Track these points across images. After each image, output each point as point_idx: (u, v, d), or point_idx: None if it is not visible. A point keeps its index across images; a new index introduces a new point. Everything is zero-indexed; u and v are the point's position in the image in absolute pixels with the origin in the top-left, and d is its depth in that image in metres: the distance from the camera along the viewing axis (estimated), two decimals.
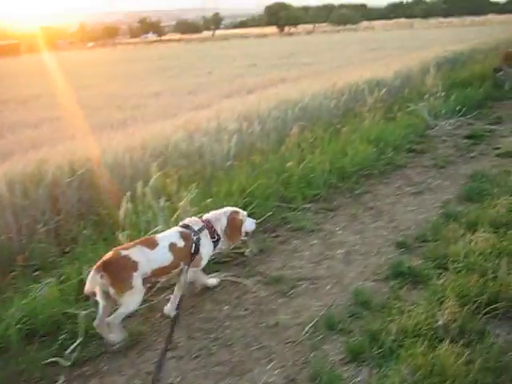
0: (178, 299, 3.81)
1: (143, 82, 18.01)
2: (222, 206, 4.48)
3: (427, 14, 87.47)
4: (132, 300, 3.56)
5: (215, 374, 3.25)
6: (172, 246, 3.78)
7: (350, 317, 3.65)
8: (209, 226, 4.04)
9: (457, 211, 5.16)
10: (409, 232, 4.92)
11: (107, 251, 3.74)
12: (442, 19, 70.33)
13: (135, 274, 3.54)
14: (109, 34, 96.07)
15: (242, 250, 4.71)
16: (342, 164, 6.48)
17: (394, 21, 74.84)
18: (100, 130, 9.88)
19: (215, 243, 4.06)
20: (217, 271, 4.47)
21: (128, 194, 4.74)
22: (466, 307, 3.36)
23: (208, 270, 4.44)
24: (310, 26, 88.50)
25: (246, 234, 4.35)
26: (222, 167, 6.36)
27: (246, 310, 3.91)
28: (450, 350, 2.95)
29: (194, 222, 4.04)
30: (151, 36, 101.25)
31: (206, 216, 4.17)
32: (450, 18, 71.46)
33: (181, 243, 3.83)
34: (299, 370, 3.22)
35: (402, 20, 73.27)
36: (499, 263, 3.80)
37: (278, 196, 5.71)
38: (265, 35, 71.73)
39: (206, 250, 3.99)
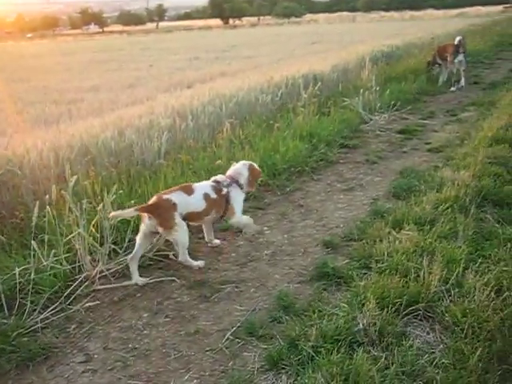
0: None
1: (82, 75, 17.53)
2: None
3: (369, 7, 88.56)
4: (180, 234, 4.23)
5: None
6: (206, 196, 4.41)
7: (271, 322, 3.56)
8: (234, 180, 4.64)
9: (384, 209, 5.15)
10: (337, 231, 4.87)
11: (25, 257, 3.96)
12: (383, 13, 71.41)
13: (176, 213, 4.21)
14: (48, 25, 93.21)
15: (166, 253, 4.56)
16: (274, 161, 6.38)
17: (337, 14, 75.50)
18: (32, 126, 9.51)
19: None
20: (139, 275, 4.30)
21: (47, 196, 4.51)
22: (386, 310, 3.31)
23: (129, 274, 4.30)
24: (254, 19, 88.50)
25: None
26: (151, 166, 6.17)
27: (166, 316, 3.76)
28: (366, 355, 2.89)
29: (222, 178, 4.64)
30: (93, 27, 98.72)
31: (228, 172, 4.77)
32: (391, 11, 72.64)
33: (213, 195, 4.45)
34: (217, 379, 3.10)
35: (345, 13, 74.00)
36: (421, 262, 3.77)
37: None
38: (209, 27, 71.23)
39: (238, 199, 4.62)
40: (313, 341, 3.15)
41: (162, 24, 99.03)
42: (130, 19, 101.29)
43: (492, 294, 3.38)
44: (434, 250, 4.02)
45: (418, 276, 3.67)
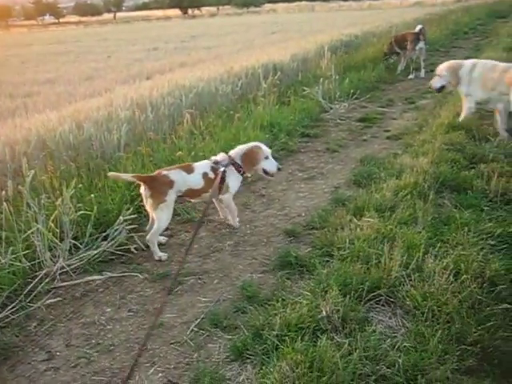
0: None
1: (38, 67, 17.18)
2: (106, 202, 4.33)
3: None
4: (163, 214, 4.37)
5: (94, 383, 3.06)
6: (204, 175, 4.55)
7: (235, 312, 3.56)
8: (232, 160, 4.68)
9: (345, 196, 5.20)
10: (299, 219, 4.90)
11: None
12: (342, 2, 71.49)
13: (170, 190, 4.37)
14: (1, 15, 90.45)
15: (128, 247, 4.51)
16: None
17: (295, 3, 75.36)
18: None
19: (243, 175, 4.80)
20: (101, 271, 4.26)
21: (2, 193, 4.40)
22: (349, 296, 3.35)
23: (91, 269, 4.25)
24: (213, 9, 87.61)
25: (266, 172, 4.79)
26: (111, 158, 6.08)
27: (129, 311, 3.73)
28: (330, 342, 2.93)
29: (222, 157, 4.72)
30: (48, 18, 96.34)
31: (230, 152, 4.80)
32: (349, 1, 73.00)
33: (211, 174, 4.57)
34: (182, 372, 3.09)
35: (304, 3, 73.85)
36: (382, 248, 3.83)
37: None
38: (168, 18, 70.44)
39: (232, 180, 4.68)
40: (277, 330, 3.16)
41: (120, 14, 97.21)
42: (86, 10, 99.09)
43: (451, 277, 3.46)
44: (394, 236, 4.08)
45: (380, 262, 3.72)
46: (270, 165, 4.77)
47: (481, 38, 18.04)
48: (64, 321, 3.66)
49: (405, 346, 2.98)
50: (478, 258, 3.70)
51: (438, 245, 3.95)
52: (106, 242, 4.47)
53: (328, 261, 3.99)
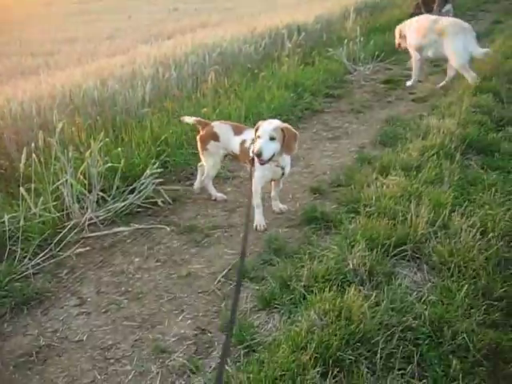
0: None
1: (59, 26, 17.13)
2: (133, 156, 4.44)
3: None
4: (208, 161, 4.48)
5: (124, 328, 3.14)
6: (242, 143, 4.26)
7: (262, 264, 3.62)
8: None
9: (371, 155, 5.20)
10: (324, 177, 4.91)
11: (12, 205, 4.13)
12: None
13: (213, 142, 4.40)
14: None
15: (154, 200, 4.56)
16: (259, 110, 6.35)
17: None
18: (9, 78, 9.30)
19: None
20: (128, 222, 4.32)
21: (32, 145, 4.46)
22: (375, 250, 3.38)
23: (119, 221, 4.31)
24: None
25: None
26: (135, 115, 6.10)
27: (157, 261, 3.81)
28: (357, 293, 2.96)
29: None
30: None
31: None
32: None
33: (247, 144, 4.16)
34: (210, 320, 3.17)
35: None
36: (409, 206, 3.84)
37: (193, 144, 5.53)
38: None
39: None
40: (304, 281, 3.21)
41: None
42: None
43: (477, 235, 3.46)
44: (420, 195, 4.08)
45: (406, 219, 3.73)
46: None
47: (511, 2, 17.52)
48: (94, 269, 3.75)
49: (431, 300, 3.01)
50: (504, 218, 3.70)
51: (465, 204, 3.95)
52: (132, 195, 4.52)
53: (354, 217, 4.00)
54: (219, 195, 4.66)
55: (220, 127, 4.43)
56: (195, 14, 18.22)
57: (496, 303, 2.98)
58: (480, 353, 2.64)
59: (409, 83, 8.17)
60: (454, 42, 7.22)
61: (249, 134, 4.22)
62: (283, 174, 4.15)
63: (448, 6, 11.68)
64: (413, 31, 7.88)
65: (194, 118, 4.64)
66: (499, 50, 8.96)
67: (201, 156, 4.56)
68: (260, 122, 3.96)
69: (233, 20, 14.50)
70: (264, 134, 3.81)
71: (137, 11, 21.26)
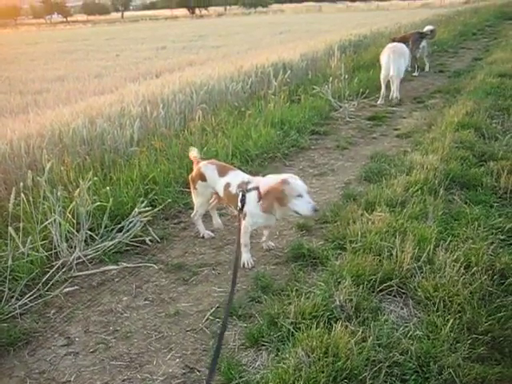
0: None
1: (47, 65, 17.27)
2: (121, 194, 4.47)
3: None
4: (197, 200, 4.56)
5: (113, 368, 3.13)
6: (226, 186, 4.20)
7: (250, 301, 3.64)
8: (257, 188, 3.94)
9: (357, 192, 5.27)
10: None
11: (0, 245, 4.16)
12: (349, 3, 71.58)
13: (201, 182, 4.42)
14: (9, 14, 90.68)
15: (142, 239, 4.59)
16: (246, 147, 6.44)
17: (303, 4, 75.50)
18: None
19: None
20: (116, 261, 4.34)
21: (21, 184, 4.48)
22: (362, 286, 3.42)
23: (107, 260, 4.32)
24: (221, 9, 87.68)
25: (297, 213, 3.80)
26: (124, 153, 6.16)
27: (145, 299, 3.81)
28: (344, 329, 2.99)
29: (254, 180, 4.11)
30: (56, 17, 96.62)
31: (265, 178, 4.06)
32: (357, 2, 72.91)
33: (233, 190, 4.11)
34: (199, 358, 3.17)
35: (311, 3, 73.90)
36: (394, 242, 3.90)
37: (181, 181, 5.61)
38: (175, 17, 70.57)
39: (250, 208, 3.94)
40: (292, 318, 3.24)
41: (127, 14, 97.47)
42: (94, 9, 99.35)
43: (461, 269, 3.53)
44: (405, 230, 4.14)
45: (391, 254, 3.79)
46: (302, 205, 3.75)
47: (489, 40, 18.05)
48: (82, 308, 3.75)
49: (417, 335, 3.05)
50: (488, 252, 3.77)
51: (449, 239, 4.01)
52: (121, 234, 4.55)
53: (340, 253, 4.06)
54: (207, 233, 4.69)
55: (206, 167, 4.41)
56: (183, 53, 18.47)
57: (481, 337, 3.01)
58: None
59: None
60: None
61: (233, 177, 4.20)
62: (276, 220, 4.12)
63: (424, 42, 12.10)
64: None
65: (194, 154, 4.66)
66: (480, 86, 9.20)
67: (192, 193, 4.61)
68: (280, 180, 3.83)
69: (220, 58, 14.74)
70: (305, 191, 3.78)
71: (125, 50, 21.50)
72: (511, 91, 8.68)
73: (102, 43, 26.91)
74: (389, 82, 9.94)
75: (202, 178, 4.41)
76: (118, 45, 24.98)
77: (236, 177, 4.21)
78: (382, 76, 9.86)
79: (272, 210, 3.87)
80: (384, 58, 9.74)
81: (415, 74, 12.34)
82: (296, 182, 3.81)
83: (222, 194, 4.28)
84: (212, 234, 4.70)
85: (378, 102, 9.79)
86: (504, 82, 9.49)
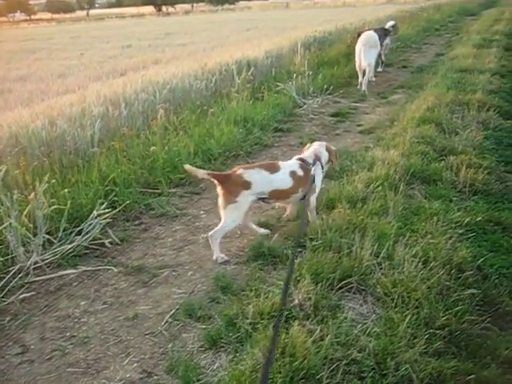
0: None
1: (9, 65, 16.90)
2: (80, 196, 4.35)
3: None
4: (230, 215, 4.12)
5: (69, 374, 3.08)
6: (293, 173, 4.28)
7: (210, 302, 3.61)
8: (318, 158, 4.50)
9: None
10: (272, 212, 4.94)
11: None
12: (316, 0, 71.92)
13: (245, 191, 4.08)
14: None
15: (102, 241, 4.51)
16: (209, 146, 6.40)
17: (270, 1, 75.59)
18: None
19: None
20: (75, 265, 4.26)
21: None
22: (320, 284, 3.41)
23: (65, 264, 4.24)
24: (188, 6, 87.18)
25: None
26: (85, 154, 6.05)
27: (104, 303, 3.75)
28: (302, 328, 2.98)
29: (307, 156, 4.50)
30: (19, 15, 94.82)
31: (308, 152, 4.57)
32: None
33: (300, 172, 4.31)
34: (157, 362, 3.13)
35: (279, 0, 74.01)
36: (354, 238, 3.90)
37: (142, 182, 5.54)
38: (142, 15, 69.91)
39: (319, 178, 4.49)
40: (250, 318, 3.22)
41: (93, 12, 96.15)
42: (58, 7, 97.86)
43: (420, 264, 3.56)
44: (365, 226, 4.15)
45: (351, 251, 3.79)
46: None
47: (451, 35, 18.33)
48: (38, 314, 3.67)
49: (375, 331, 3.06)
50: (446, 246, 3.82)
51: (408, 234, 4.03)
52: (80, 237, 4.46)
53: (301, 251, 4.05)
54: (221, 256, 4.20)
55: (252, 173, 4.16)
56: (149, 51, 18.28)
57: (438, 332, 3.04)
58: (423, 382, 2.69)
59: None
60: None
61: (290, 165, 4.41)
62: None
63: (387, 40, 12.23)
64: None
65: (206, 172, 4.22)
66: (442, 81, 9.31)
67: (223, 209, 4.16)
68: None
69: (185, 56, 14.61)
70: None
71: (89, 48, 21.18)
72: (471, 86, 8.79)
73: (67, 42, 26.48)
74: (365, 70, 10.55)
75: (247, 186, 4.10)
76: (82, 43, 24.61)
77: (291, 163, 4.42)
78: (356, 65, 10.71)
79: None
80: (357, 48, 10.62)
81: (380, 69, 12.44)
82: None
83: (288, 186, 4.27)
84: (226, 258, 4.20)
85: (359, 87, 10.64)
86: (464, 77, 9.62)
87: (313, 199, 4.43)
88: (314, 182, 4.34)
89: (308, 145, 4.76)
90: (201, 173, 4.19)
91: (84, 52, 19.46)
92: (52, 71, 14.13)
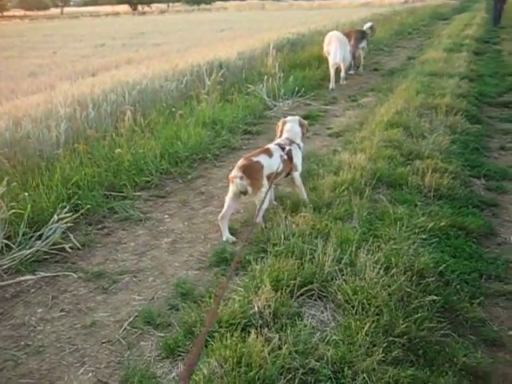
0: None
1: None
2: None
3: None
4: (264, 195, 4.29)
5: None
6: (281, 157, 4.63)
7: (169, 310, 3.56)
8: (292, 141, 4.89)
9: (283, 193, 5.23)
10: (237, 216, 4.90)
11: None
12: (292, 1, 71.90)
13: (263, 175, 4.48)
14: None
15: (62, 246, 4.41)
16: (176, 149, 6.32)
17: (246, 1, 75.39)
18: None
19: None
20: (34, 271, 4.15)
21: None
22: (281, 291, 3.37)
23: (24, 270, 4.14)
24: (163, 6, 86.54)
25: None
26: (48, 157, 5.93)
27: (62, 310, 3.66)
28: (260, 338, 2.94)
29: (282, 141, 4.88)
30: None
31: (284, 135, 4.98)
32: (299, 0, 73.38)
33: (284, 155, 4.66)
34: (112, 371, 3.06)
35: (255, 1, 73.79)
36: (316, 244, 3.87)
37: (106, 185, 5.45)
38: (117, 14, 69.20)
39: (298, 158, 4.86)
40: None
41: (67, 9, 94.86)
42: (32, 4, 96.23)
43: (381, 271, 3.54)
44: (329, 232, 4.14)
45: (313, 257, 3.76)
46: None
47: (424, 39, 18.49)
48: None
49: (334, 340, 3.03)
50: (408, 252, 3.81)
51: (371, 240, 4.01)
52: (40, 242, 4.36)
53: (263, 257, 4.01)
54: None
55: (263, 159, 4.58)
56: (122, 50, 18.10)
57: (397, 339, 3.02)
58: None
59: None
60: None
61: (276, 149, 4.77)
62: None
63: (364, 43, 12.27)
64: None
65: (238, 172, 4.47)
66: (411, 85, 9.37)
67: (257, 196, 4.50)
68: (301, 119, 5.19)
69: (159, 56, 14.48)
70: None
71: (63, 47, 20.90)
72: (440, 90, 8.85)
73: (39, 40, 26.09)
74: (337, 68, 11.12)
75: (263, 170, 4.52)
76: (55, 41, 24.28)
77: (276, 147, 4.77)
78: (330, 63, 11.00)
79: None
80: (331, 47, 10.95)
81: (351, 72, 12.47)
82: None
83: (280, 169, 4.55)
84: (234, 239, 4.49)
85: (330, 87, 10.88)
86: (434, 81, 9.70)
87: (297, 176, 4.85)
88: (292, 160, 4.76)
89: (281, 121, 5.16)
90: (235, 175, 4.48)
91: (57, 51, 19.19)
92: (23, 70, 13.90)
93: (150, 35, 25.23)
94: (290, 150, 4.76)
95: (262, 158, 4.55)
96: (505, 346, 3.23)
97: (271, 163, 4.56)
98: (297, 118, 5.18)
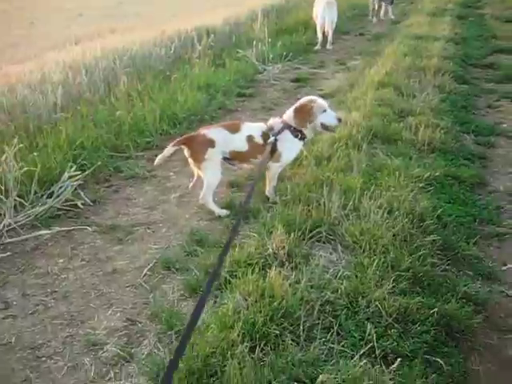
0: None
1: None
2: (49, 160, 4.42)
3: None
4: (208, 172, 4.17)
5: (54, 326, 3.17)
6: (249, 138, 4.21)
7: (186, 255, 3.76)
8: (287, 125, 4.27)
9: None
10: (241, 172, 5.02)
11: None
12: None
13: (211, 149, 4.10)
14: None
15: (74, 202, 4.56)
16: (174, 111, 6.45)
17: None
18: None
19: (301, 139, 4.30)
20: (49, 226, 4.30)
21: None
22: (293, 234, 3.58)
23: (39, 225, 4.28)
24: None
25: (325, 127, 4.30)
26: (48, 120, 6.01)
27: (82, 260, 3.84)
28: (278, 274, 3.15)
29: (275, 122, 4.32)
30: None
31: (284, 115, 4.39)
32: None
33: (258, 139, 4.21)
34: (140, 311, 3.27)
35: None
36: (321, 193, 4.08)
37: (109, 146, 5.57)
38: None
39: (287, 148, 4.25)
40: (228, 267, 3.38)
41: None
42: None
43: (385, 214, 3.78)
44: (332, 182, 4.34)
45: (320, 204, 3.97)
46: (329, 118, 4.25)
47: (406, 4, 18.45)
48: (16, 273, 3.72)
49: (346, 275, 3.26)
50: (408, 198, 4.04)
51: (373, 188, 4.21)
52: (51, 199, 4.50)
53: (271, 206, 4.21)
54: (223, 211, 4.32)
55: (214, 132, 4.21)
56: (103, 20, 17.87)
57: (404, 273, 3.26)
58: (391, 317, 2.91)
59: None
60: None
61: (251, 128, 4.30)
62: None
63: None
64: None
65: (171, 145, 4.25)
66: (397, 48, 9.53)
67: (200, 170, 4.27)
68: (307, 99, 4.38)
69: (142, 25, 14.38)
70: (327, 107, 4.33)
71: (39, 18, 20.53)
72: (427, 52, 9.02)
73: (14, 11, 25.52)
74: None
75: (212, 144, 4.13)
76: (32, 12, 23.80)
77: (253, 127, 4.34)
78: (318, 25, 11.35)
79: (307, 127, 4.26)
80: (319, 9, 11.27)
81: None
82: (320, 100, 4.35)
83: (244, 149, 4.22)
84: (227, 212, 4.32)
85: (316, 48, 11.34)
86: (420, 44, 9.84)
87: (274, 168, 4.33)
88: (276, 150, 4.20)
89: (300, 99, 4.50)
90: (167, 150, 4.25)
91: (33, 21, 18.89)
92: (2, 41, 13.72)
93: (130, 4, 24.82)
94: (276, 139, 4.20)
95: (217, 132, 4.19)
96: (499, 280, 3.54)
97: (231, 139, 4.20)
98: (304, 99, 4.46)
